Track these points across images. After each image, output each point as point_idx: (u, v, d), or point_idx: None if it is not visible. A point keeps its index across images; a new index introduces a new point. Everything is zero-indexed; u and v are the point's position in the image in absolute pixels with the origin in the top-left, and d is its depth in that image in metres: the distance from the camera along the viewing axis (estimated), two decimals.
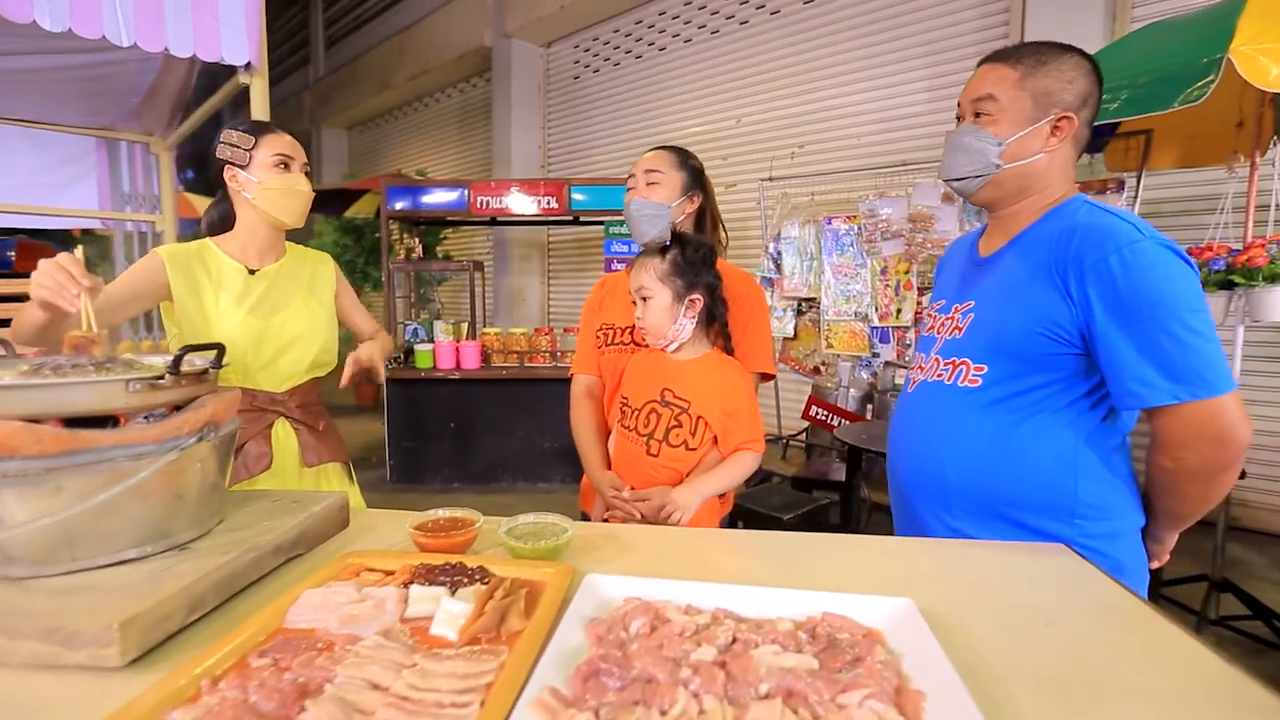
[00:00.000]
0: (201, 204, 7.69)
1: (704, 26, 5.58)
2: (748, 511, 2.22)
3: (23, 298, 0.98)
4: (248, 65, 2.32)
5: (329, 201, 6.67)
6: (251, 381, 1.31)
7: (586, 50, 6.62)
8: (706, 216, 1.48)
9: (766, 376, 1.39)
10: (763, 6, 5.17)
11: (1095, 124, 2.29)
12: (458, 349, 4.21)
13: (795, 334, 4.24)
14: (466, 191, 4.63)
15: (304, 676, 0.56)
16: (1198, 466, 0.92)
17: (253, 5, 2.31)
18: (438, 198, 4.66)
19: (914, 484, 1.15)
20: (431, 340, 4.35)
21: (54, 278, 0.88)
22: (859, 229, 3.77)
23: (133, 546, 0.72)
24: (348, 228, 6.85)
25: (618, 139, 6.38)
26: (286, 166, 1.32)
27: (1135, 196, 2.82)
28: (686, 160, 1.40)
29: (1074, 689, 0.60)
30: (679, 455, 1.23)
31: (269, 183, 1.30)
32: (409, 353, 4.30)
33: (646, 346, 1.32)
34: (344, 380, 1.39)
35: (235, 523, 0.84)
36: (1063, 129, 1.02)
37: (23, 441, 0.63)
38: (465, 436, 4.29)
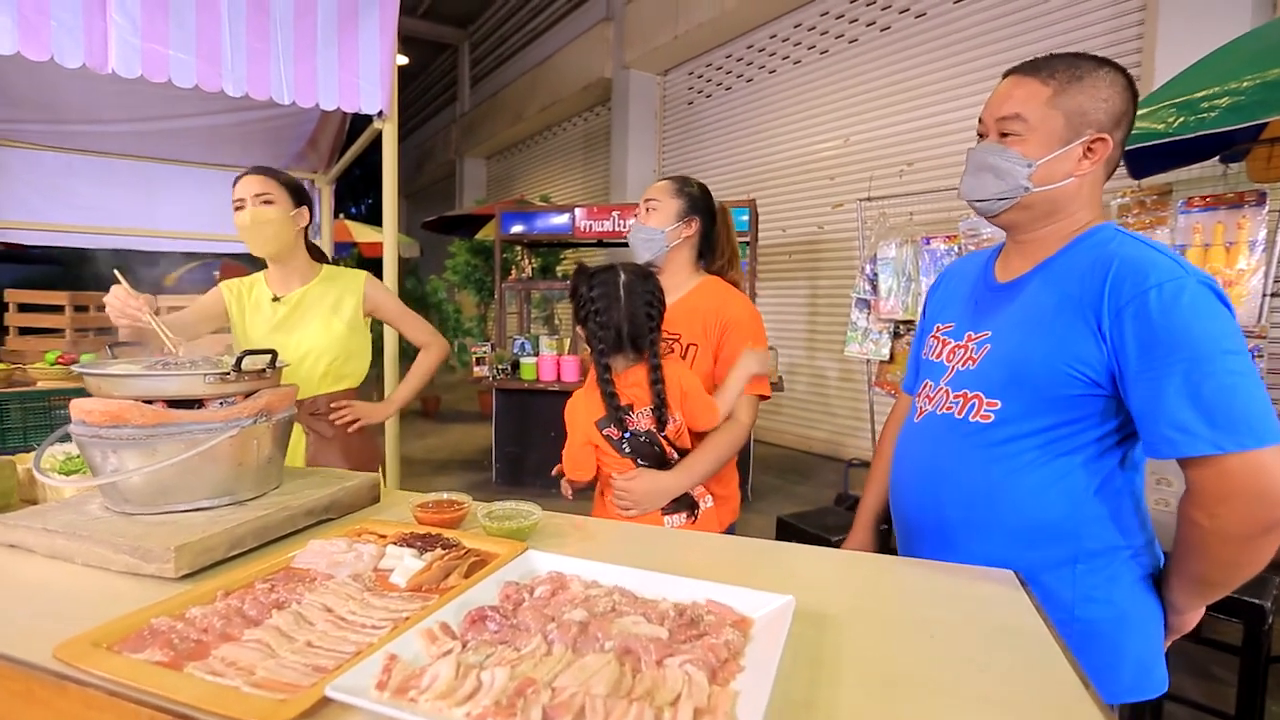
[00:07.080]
0: (358, 230, 8.82)
1: (813, 47, 5.58)
2: (797, 530, 2.23)
3: None
4: (380, 113, 2.77)
5: (463, 225, 7.41)
6: None
7: (700, 76, 6.84)
8: (718, 238, 1.57)
9: (762, 396, 1.49)
10: (873, 24, 5.09)
11: (1232, 130, 2.10)
12: (559, 362, 4.52)
13: (891, 357, 4.09)
14: (571, 215, 4.98)
15: (283, 597, 0.76)
16: (1237, 526, 0.83)
17: (385, 61, 2.76)
18: (547, 222, 5.06)
19: (916, 523, 1.12)
20: (537, 354, 4.70)
21: (125, 309, 1.16)
22: (959, 249, 3.60)
23: (205, 498, 0.97)
24: (478, 249, 7.53)
25: (729, 161, 6.51)
26: (239, 208, 1.55)
27: None
28: (684, 188, 1.52)
29: (908, 690, 0.64)
30: None
31: (236, 222, 1.56)
32: (515, 365, 4.68)
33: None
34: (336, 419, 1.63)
35: (288, 489, 1.08)
36: (1096, 151, 0.95)
37: (131, 415, 0.90)
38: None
